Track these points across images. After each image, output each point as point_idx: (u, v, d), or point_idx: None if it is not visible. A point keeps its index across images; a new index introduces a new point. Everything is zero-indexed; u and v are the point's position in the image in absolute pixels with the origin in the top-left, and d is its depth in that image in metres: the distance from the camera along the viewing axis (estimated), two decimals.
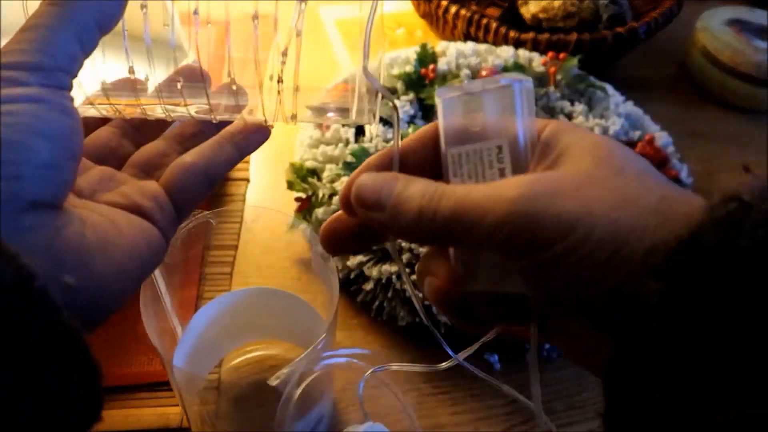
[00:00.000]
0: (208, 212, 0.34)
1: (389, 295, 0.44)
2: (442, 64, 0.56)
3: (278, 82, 0.25)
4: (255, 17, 0.24)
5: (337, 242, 0.26)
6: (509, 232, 0.19)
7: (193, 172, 0.26)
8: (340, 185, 0.47)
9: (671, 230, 0.17)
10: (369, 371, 0.29)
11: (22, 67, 0.21)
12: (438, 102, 0.23)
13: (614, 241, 0.18)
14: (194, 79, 0.26)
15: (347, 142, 0.51)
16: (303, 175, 0.50)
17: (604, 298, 0.19)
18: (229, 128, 0.27)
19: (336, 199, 0.47)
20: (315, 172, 0.50)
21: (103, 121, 0.29)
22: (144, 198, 0.25)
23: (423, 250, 0.43)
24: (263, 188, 0.56)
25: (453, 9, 0.65)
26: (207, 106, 0.26)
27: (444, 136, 0.23)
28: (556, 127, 0.22)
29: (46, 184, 0.20)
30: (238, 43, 0.24)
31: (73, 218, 0.21)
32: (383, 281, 0.44)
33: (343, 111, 0.27)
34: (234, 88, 0.26)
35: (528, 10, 0.67)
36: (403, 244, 0.43)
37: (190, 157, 0.26)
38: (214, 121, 0.27)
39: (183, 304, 0.46)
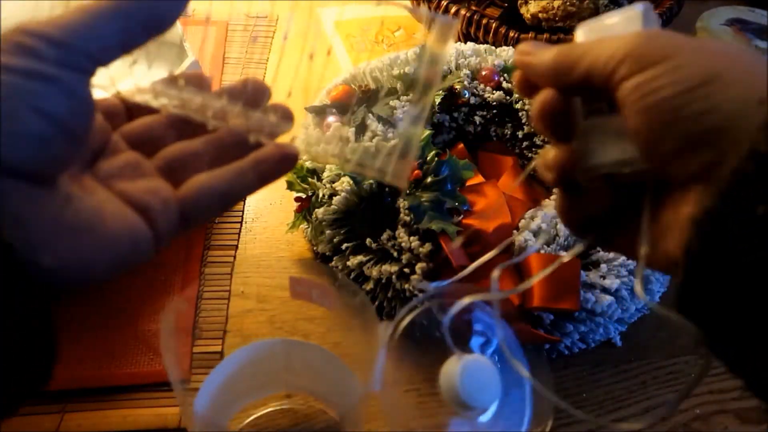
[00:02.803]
0: None
1: (389, 294, 0.44)
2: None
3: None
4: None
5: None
6: (627, 51, 0.22)
7: (211, 193, 0.26)
8: (340, 185, 0.47)
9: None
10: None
11: (44, 39, 0.21)
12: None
13: (708, 76, 0.20)
14: (236, 95, 0.27)
15: (347, 142, 0.51)
16: (303, 175, 0.50)
17: (702, 134, 0.20)
18: (257, 154, 0.28)
19: (336, 199, 0.47)
20: (315, 172, 0.50)
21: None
22: (152, 197, 0.25)
23: (423, 250, 0.43)
24: (263, 188, 0.56)
25: (453, 9, 0.65)
26: (246, 122, 0.27)
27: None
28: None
29: (27, 156, 0.20)
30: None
31: (57, 195, 0.22)
32: (383, 281, 0.44)
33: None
34: (281, 112, 0.27)
35: (528, 10, 0.67)
36: (403, 244, 0.43)
37: (211, 178, 0.27)
38: (251, 141, 0.27)
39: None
